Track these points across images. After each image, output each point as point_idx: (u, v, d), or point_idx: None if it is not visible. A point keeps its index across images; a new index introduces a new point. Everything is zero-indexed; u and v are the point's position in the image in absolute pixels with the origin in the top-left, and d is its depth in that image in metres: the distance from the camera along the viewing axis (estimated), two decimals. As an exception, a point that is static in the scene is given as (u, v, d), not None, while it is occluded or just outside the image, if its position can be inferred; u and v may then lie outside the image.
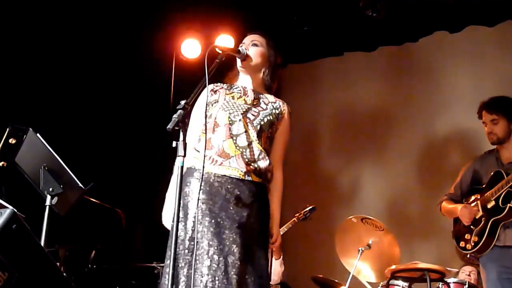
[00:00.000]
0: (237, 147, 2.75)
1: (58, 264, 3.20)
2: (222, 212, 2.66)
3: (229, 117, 2.79)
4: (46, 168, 2.93)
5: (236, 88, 2.94)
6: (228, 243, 2.61)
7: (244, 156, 2.74)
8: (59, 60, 4.91)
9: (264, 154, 2.79)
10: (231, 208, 2.66)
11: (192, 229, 2.64)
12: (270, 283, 4.32)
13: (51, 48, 4.83)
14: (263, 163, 2.77)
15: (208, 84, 2.65)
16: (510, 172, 3.58)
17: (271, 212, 2.84)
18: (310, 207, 4.54)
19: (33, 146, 3.00)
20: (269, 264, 2.83)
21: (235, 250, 2.61)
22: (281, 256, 4.34)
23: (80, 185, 2.92)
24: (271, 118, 2.86)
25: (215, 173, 2.71)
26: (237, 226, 2.63)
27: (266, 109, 2.88)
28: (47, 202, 2.90)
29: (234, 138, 2.76)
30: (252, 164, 2.74)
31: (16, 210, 2.02)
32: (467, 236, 3.70)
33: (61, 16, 4.88)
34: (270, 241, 2.80)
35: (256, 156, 2.76)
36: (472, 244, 3.64)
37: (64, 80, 5.00)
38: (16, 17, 4.62)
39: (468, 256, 3.70)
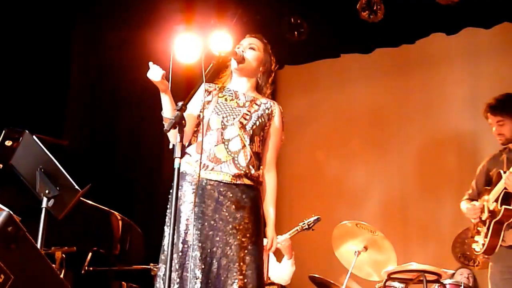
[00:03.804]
0: (229, 153, 2.74)
1: (54, 266, 3.19)
2: (216, 214, 2.66)
3: (222, 122, 2.79)
4: (43, 170, 2.91)
5: (228, 90, 2.93)
6: (221, 246, 2.63)
7: (236, 162, 2.73)
8: (54, 61, 4.91)
9: (253, 159, 2.78)
10: (224, 210, 2.67)
11: (185, 232, 2.64)
12: (282, 283, 4.32)
13: (46, 49, 4.83)
14: (253, 169, 2.76)
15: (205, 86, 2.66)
16: None
17: (267, 215, 2.84)
18: (315, 217, 4.34)
19: (29, 148, 2.98)
20: (266, 264, 2.84)
21: (228, 253, 2.62)
22: (293, 257, 4.31)
23: (77, 187, 2.91)
24: (262, 120, 2.85)
25: (207, 178, 2.71)
26: (231, 228, 2.65)
27: (258, 110, 2.87)
28: (43, 204, 2.88)
29: (226, 143, 2.76)
30: (243, 169, 2.73)
31: (12, 213, 2.01)
32: (477, 238, 3.70)
33: (53, 17, 4.88)
34: (266, 245, 2.79)
35: (247, 161, 2.75)
36: (481, 246, 3.63)
37: (60, 81, 5.00)
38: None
39: (482, 257, 3.67)
